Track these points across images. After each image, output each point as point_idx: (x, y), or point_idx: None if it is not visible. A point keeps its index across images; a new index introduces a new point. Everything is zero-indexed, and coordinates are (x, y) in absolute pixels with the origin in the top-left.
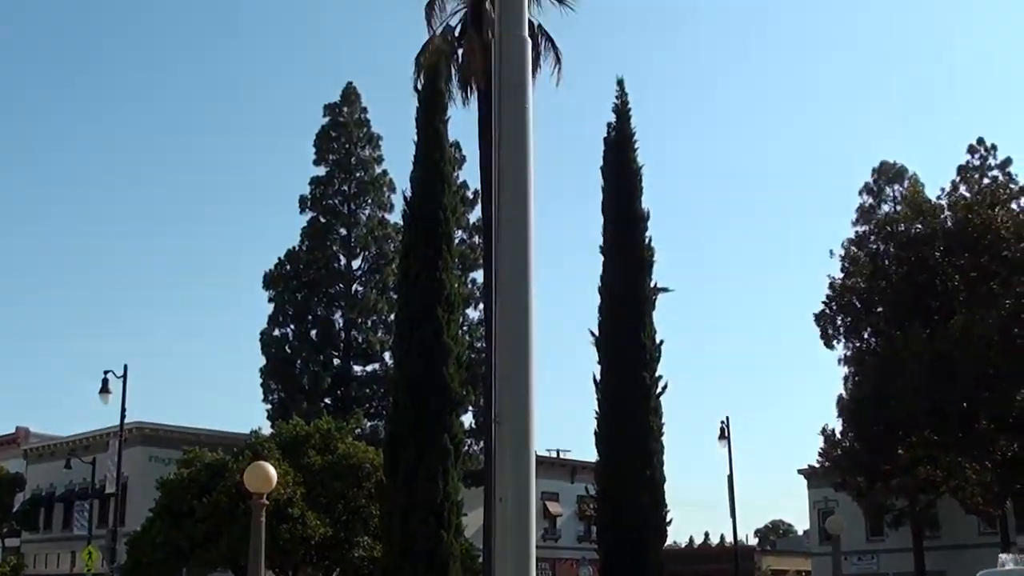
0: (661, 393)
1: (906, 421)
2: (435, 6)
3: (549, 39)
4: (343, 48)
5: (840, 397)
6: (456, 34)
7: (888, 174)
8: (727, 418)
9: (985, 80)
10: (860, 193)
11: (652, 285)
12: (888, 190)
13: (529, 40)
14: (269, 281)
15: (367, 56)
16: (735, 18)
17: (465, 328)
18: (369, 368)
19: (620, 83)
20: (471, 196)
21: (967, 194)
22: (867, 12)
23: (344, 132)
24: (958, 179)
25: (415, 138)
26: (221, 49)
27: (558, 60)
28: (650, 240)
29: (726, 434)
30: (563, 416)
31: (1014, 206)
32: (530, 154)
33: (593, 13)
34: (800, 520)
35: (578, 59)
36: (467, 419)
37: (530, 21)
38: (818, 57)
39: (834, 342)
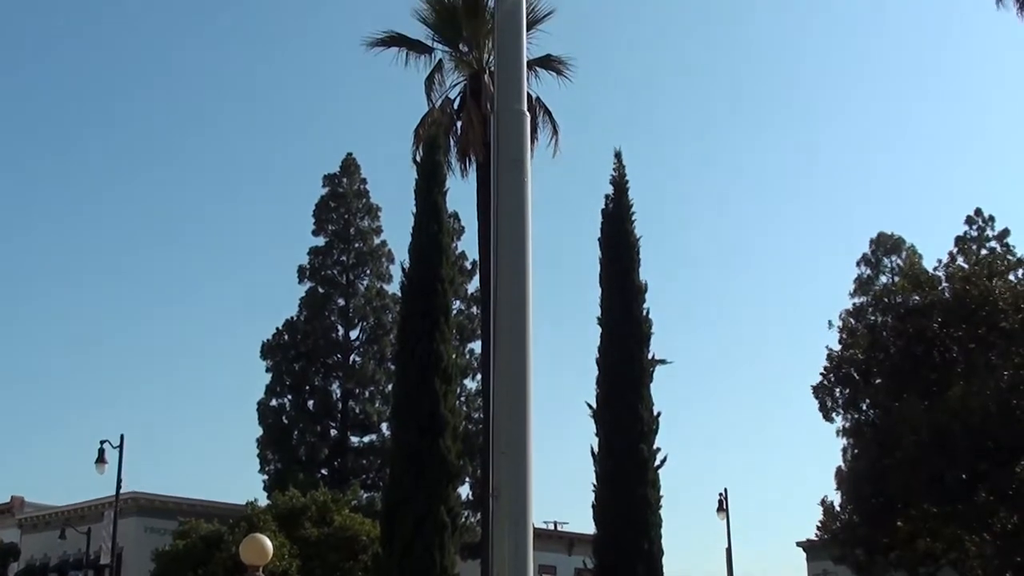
0: (659, 466)
1: (905, 493)
2: (434, 79)
3: (547, 111)
4: (343, 119)
5: (839, 469)
6: (455, 107)
7: (886, 245)
8: (725, 490)
9: (983, 151)
10: (858, 264)
11: (650, 357)
12: (886, 261)
13: (528, 115)
14: (267, 351)
15: (367, 127)
16: (734, 89)
17: (463, 399)
18: (366, 439)
19: (618, 155)
20: (469, 266)
21: (965, 265)
22: (865, 84)
23: (343, 203)
24: (956, 250)
25: (414, 209)
26: (220, 118)
27: (555, 132)
28: (648, 312)
29: (724, 506)
30: (560, 488)
31: (1012, 277)
32: (528, 227)
33: (593, 81)
34: None
35: (576, 127)
36: (464, 491)
37: (528, 93)
38: (816, 127)
39: (833, 414)
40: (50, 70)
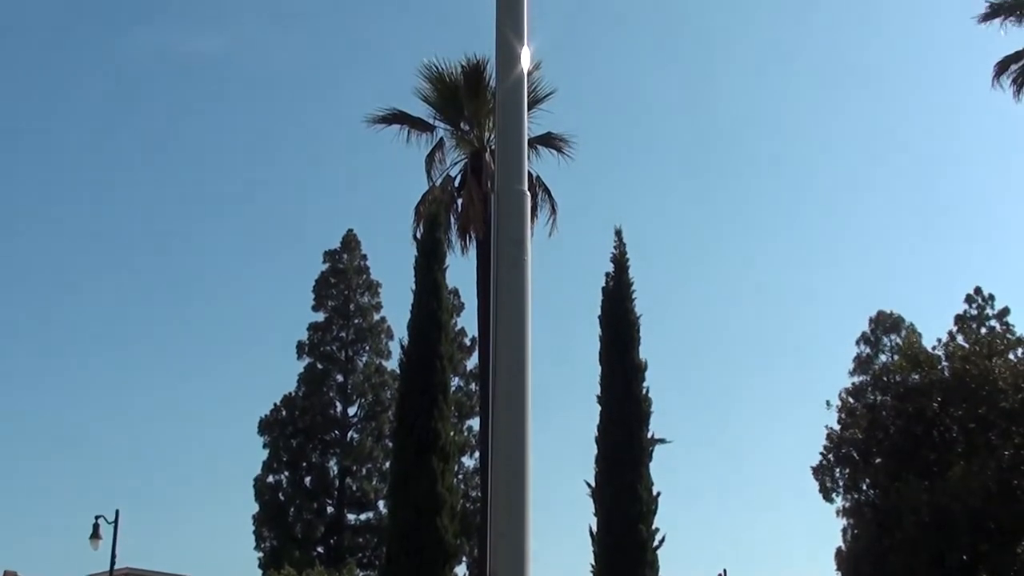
0: (658, 546)
1: (905, 575)
2: (435, 157)
3: (546, 189)
4: (344, 195)
5: (839, 550)
6: (456, 184)
7: (885, 324)
8: (724, 571)
9: (983, 229)
10: (857, 343)
11: (649, 436)
12: (885, 340)
13: (528, 195)
14: (264, 427)
15: (368, 203)
16: (735, 169)
17: (461, 477)
18: (363, 517)
19: (618, 233)
20: (468, 343)
21: (964, 344)
22: (862, 164)
23: (343, 279)
24: (955, 329)
25: (413, 286)
26: (220, 193)
27: (554, 210)
28: (647, 391)
29: None
30: (559, 570)
31: (1012, 356)
32: (528, 305)
33: (593, 158)
34: None
35: (576, 203)
36: (461, 571)
37: (528, 171)
38: (815, 206)
39: (833, 494)
40: (46, 157)
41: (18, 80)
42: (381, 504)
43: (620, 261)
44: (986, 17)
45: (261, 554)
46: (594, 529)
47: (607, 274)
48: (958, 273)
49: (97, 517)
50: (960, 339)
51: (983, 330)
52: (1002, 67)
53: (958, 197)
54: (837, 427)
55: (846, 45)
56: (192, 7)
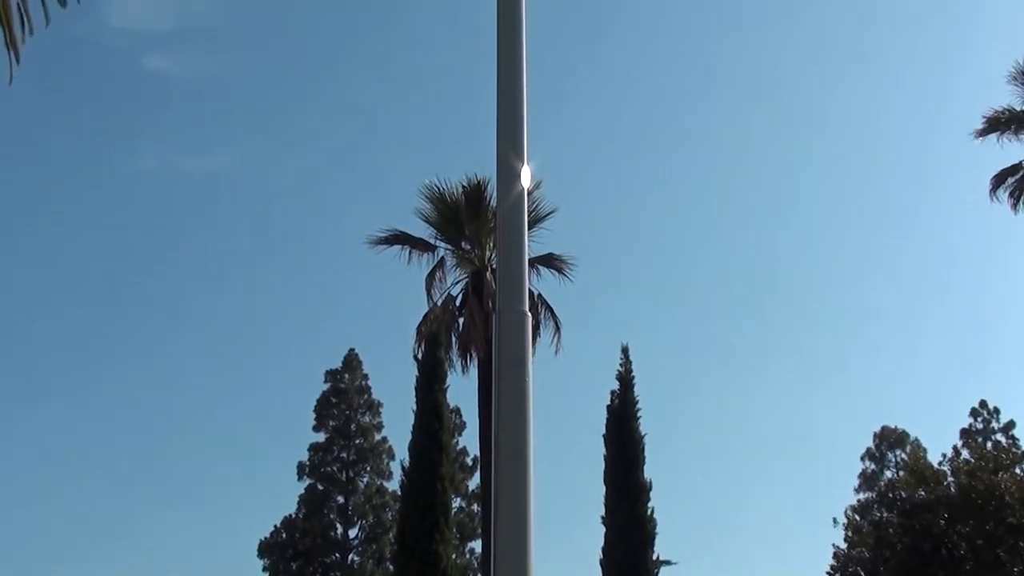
0: None
1: None
2: (436, 277)
3: (549, 308)
4: (346, 315)
5: None
6: (457, 303)
7: (890, 439)
8: None
9: (986, 343)
10: (862, 459)
11: (655, 558)
12: (890, 455)
13: (529, 315)
14: (264, 549)
15: (370, 323)
16: (739, 287)
17: None
18: None
19: (625, 351)
20: (470, 462)
21: (970, 459)
22: (865, 275)
23: (345, 399)
24: (961, 443)
25: (414, 406)
26: (221, 312)
27: (557, 329)
28: (652, 511)
29: None
30: None
31: (1018, 470)
32: (529, 427)
33: (597, 274)
34: None
35: (580, 320)
36: None
37: (530, 291)
38: (818, 325)
39: None
40: (47, 272)
41: (22, 193)
42: None
43: (626, 379)
44: (983, 132)
45: None
46: None
47: (612, 392)
48: (963, 387)
49: None
50: (966, 454)
51: (989, 444)
52: (999, 180)
53: (961, 310)
54: (844, 545)
55: (844, 166)
56: (196, 127)
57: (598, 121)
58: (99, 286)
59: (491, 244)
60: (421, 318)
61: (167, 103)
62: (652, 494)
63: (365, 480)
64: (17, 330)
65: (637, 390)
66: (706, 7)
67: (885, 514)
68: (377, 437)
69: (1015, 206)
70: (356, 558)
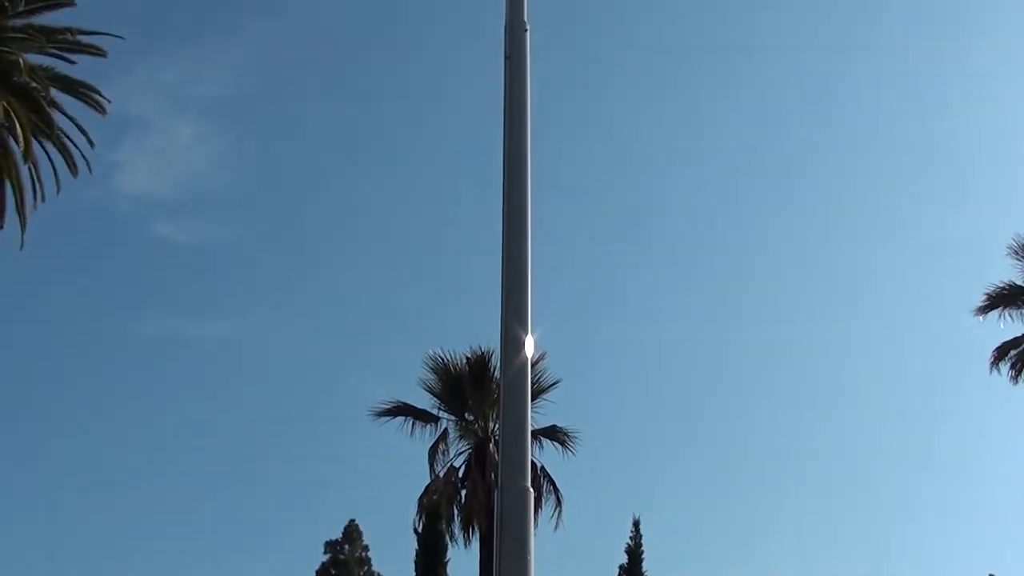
0: None
1: None
2: (438, 448)
3: (551, 481)
4: (347, 486)
5: None
6: (460, 475)
7: None
8: None
9: (990, 518)
10: None
11: None
12: None
13: (531, 491)
14: None
15: (371, 494)
16: (746, 462)
17: None
18: None
19: (636, 524)
20: None
21: None
22: (865, 460)
23: (344, 570)
24: None
25: None
26: (221, 476)
27: (559, 503)
28: None
29: None
30: None
31: None
32: None
33: (600, 446)
34: None
35: (584, 492)
36: None
37: (533, 463)
38: (818, 502)
39: None
40: (59, 439)
41: (23, 358)
42: None
43: (635, 552)
44: (983, 309)
45: None
46: None
47: (620, 567)
48: (969, 560)
49: None
50: None
51: None
52: (1001, 353)
53: (964, 487)
54: None
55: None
56: (202, 293)
57: (601, 290)
58: (99, 455)
59: (494, 415)
60: (423, 490)
61: (174, 270)
62: None
63: None
64: (14, 499)
65: (645, 565)
66: (705, 153)
67: None
68: None
69: (1016, 378)
70: None
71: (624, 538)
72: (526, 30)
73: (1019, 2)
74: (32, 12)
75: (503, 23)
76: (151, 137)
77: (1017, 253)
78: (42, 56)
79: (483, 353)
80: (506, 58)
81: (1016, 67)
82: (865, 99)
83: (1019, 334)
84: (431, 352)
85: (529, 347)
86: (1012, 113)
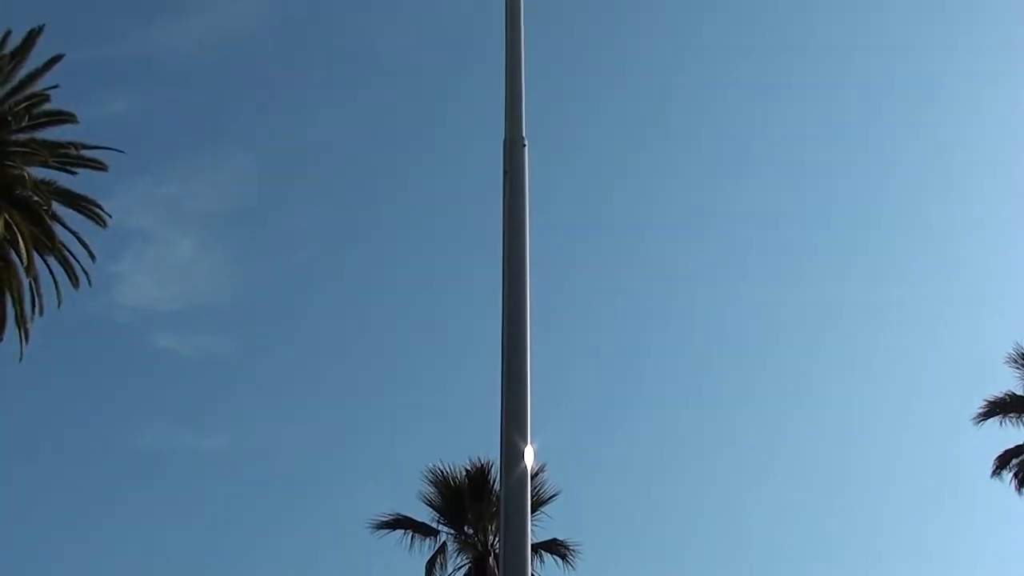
0: None
1: None
2: (436, 562)
3: None
4: None
5: None
6: None
7: None
8: None
9: None
10: None
11: None
12: None
13: None
14: None
15: None
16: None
17: None
18: None
19: None
20: None
21: None
22: (863, 557)
23: None
24: None
25: None
26: None
27: None
28: None
29: None
30: None
31: None
32: None
33: (600, 556)
34: None
35: None
36: None
37: (533, 574)
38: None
39: None
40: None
41: (18, 469)
42: None
43: None
44: (984, 416)
45: None
46: None
47: None
48: None
49: None
50: None
51: None
52: (1003, 461)
53: None
54: None
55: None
56: (200, 405)
57: (602, 400)
58: (93, 569)
59: (494, 528)
60: None
61: (172, 381)
62: None
63: None
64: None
65: None
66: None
67: None
68: None
69: (1019, 487)
70: None
71: None
72: (524, 146)
73: None
74: (35, 127)
75: (502, 139)
76: (152, 249)
77: (1016, 361)
78: (45, 170)
79: (482, 465)
80: (504, 174)
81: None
82: (861, 209)
83: (1021, 442)
84: (430, 465)
85: (529, 457)
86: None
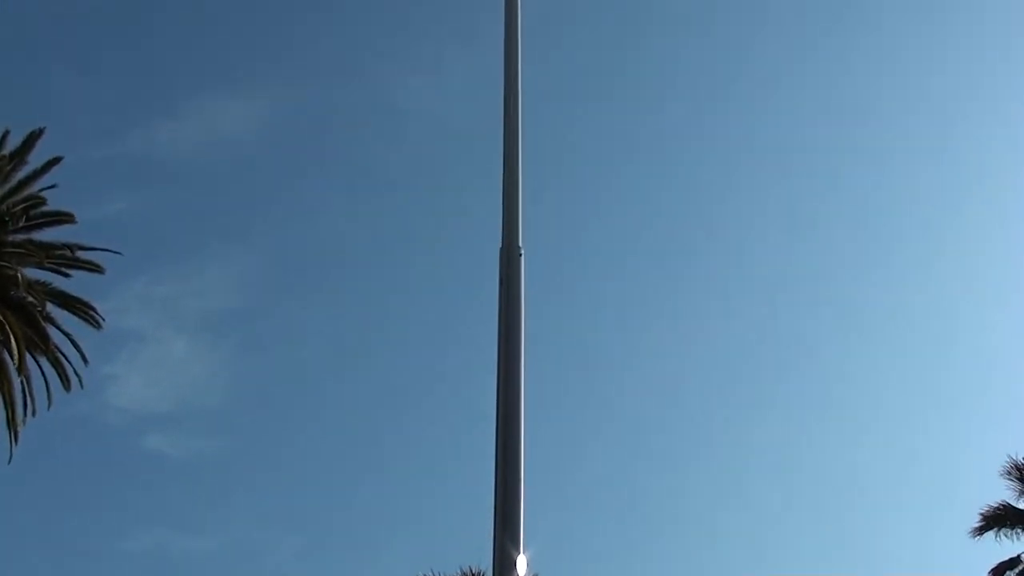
0: None
1: None
2: None
3: None
4: None
5: None
6: None
7: None
8: None
9: None
10: None
11: None
12: None
13: None
14: None
15: None
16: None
17: None
18: None
19: None
20: None
21: None
22: None
23: None
24: None
25: None
26: None
27: None
28: None
29: None
30: None
31: None
32: None
33: None
34: None
35: None
36: None
37: None
38: None
39: None
40: None
41: (16, 570)
42: None
43: None
44: (980, 530)
45: None
46: None
47: None
48: None
49: None
50: None
51: None
52: (997, 573)
53: None
54: None
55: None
56: (190, 508)
57: (594, 509)
58: None
59: None
60: None
61: (163, 484)
62: None
63: None
64: None
65: None
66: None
67: None
68: None
69: None
70: None
71: None
72: (520, 255)
73: None
74: (33, 228)
75: (499, 246)
76: (145, 350)
77: (1011, 474)
78: (41, 270)
79: (475, 574)
80: (501, 283)
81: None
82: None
83: (1015, 555)
84: (421, 574)
85: (521, 568)
86: None
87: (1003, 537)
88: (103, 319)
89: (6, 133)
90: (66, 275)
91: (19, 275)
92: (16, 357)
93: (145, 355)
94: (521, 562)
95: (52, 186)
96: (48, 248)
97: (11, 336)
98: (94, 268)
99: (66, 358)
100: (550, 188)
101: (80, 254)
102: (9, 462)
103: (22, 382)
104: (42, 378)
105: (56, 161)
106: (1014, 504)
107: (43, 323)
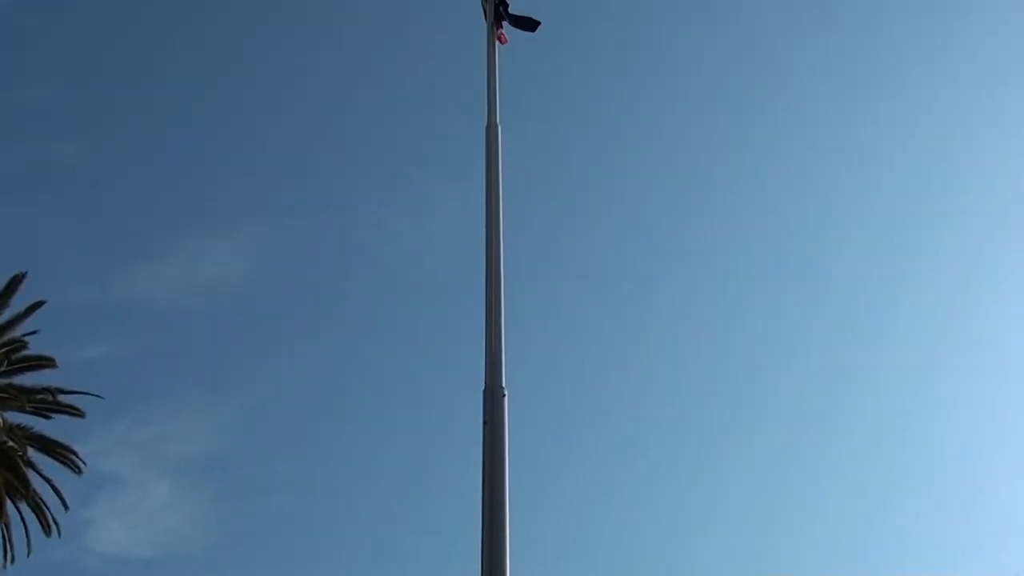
0: None
1: None
2: None
3: None
4: None
5: None
6: None
7: None
8: None
9: None
10: None
11: None
12: None
13: None
14: None
15: None
16: None
17: None
18: None
19: None
20: None
21: None
22: None
23: None
24: None
25: None
26: None
27: None
28: None
29: None
30: None
31: None
32: None
33: None
34: None
35: None
36: None
37: None
38: None
39: None
40: None
41: None
42: None
43: None
44: None
45: None
46: None
47: None
48: None
49: None
50: None
51: None
52: None
53: None
54: None
55: None
56: None
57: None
58: None
59: None
60: None
61: None
62: None
63: None
64: None
65: None
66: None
67: None
68: None
69: None
70: None
71: None
72: (504, 395)
73: None
74: (13, 372)
75: (482, 388)
76: (126, 494)
77: None
78: (21, 414)
79: None
80: (484, 424)
81: None
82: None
83: None
84: None
85: None
86: None
87: None
88: (84, 463)
89: None
90: (47, 418)
91: (1, 420)
92: None
93: (125, 499)
94: None
95: (34, 332)
96: (29, 392)
97: None
98: (75, 412)
99: (45, 504)
100: (535, 330)
101: (61, 398)
102: None
103: (2, 529)
104: (22, 524)
105: (38, 305)
106: None
107: (24, 468)
